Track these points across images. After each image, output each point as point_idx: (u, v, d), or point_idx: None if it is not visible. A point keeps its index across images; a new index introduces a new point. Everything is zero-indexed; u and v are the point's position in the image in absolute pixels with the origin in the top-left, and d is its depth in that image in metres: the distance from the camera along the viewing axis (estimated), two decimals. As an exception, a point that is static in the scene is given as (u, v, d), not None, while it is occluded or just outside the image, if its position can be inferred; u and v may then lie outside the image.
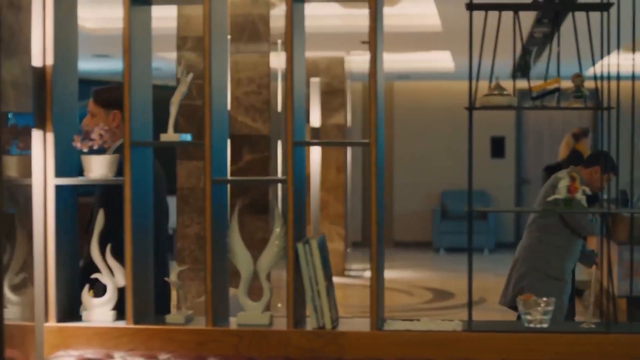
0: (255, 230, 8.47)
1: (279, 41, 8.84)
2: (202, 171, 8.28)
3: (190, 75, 4.49)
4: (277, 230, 4.38)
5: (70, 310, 4.53)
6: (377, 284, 4.33)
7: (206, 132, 4.33)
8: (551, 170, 10.15)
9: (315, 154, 12.59)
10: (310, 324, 4.34)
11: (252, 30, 8.44)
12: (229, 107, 8.06)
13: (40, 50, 4.35)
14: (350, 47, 12.44)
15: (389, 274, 13.56)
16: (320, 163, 12.55)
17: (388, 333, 4.29)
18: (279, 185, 8.71)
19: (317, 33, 10.56)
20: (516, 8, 4.44)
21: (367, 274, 13.06)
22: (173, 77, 14.65)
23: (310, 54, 12.45)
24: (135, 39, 4.39)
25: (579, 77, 4.36)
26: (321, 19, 10.31)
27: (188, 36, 8.50)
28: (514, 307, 6.49)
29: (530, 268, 6.42)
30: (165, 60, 13.57)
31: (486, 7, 4.37)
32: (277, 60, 8.74)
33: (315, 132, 12.61)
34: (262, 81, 8.45)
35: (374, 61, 4.25)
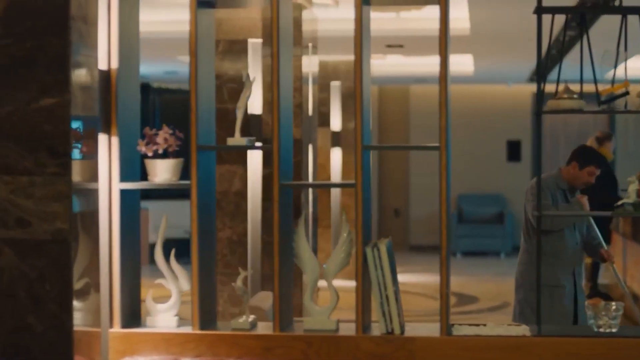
0: (286, 234, 8.42)
1: (310, 45, 8.80)
2: (235, 175, 8.24)
3: (254, 78, 4.46)
4: (345, 235, 4.35)
5: (132, 315, 4.50)
6: (446, 290, 4.30)
7: (274, 136, 4.30)
8: None
9: (336, 158, 12.55)
10: (378, 329, 4.31)
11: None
12: (261, 110, 8.04)
13: (106, 54, 4.32)
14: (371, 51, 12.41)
15: (407, 277, 13.50)
16: (341, 167, 12.52)
17: (457, 338, 4.26)
18: (310, 190, 8.66)
19: (336, 37, 10.54)
20: (584, 11, 4.41)
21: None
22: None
23: (330, 57, 12.40)
24: (200, 43, 4.35)
25: (649, 81, 4.32)
26: (341, 23, 10.27)
27: (220, 40, 8.46)
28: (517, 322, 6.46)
29: (523, 280, 6.38)
30: (181, 63, 13.52)
31: (554, 11, 4.34)
32: (308, 64, 8.69)
33: (335, 136, 12.57)
34: (294, 85, 8.40)
35: (444, 64, 4.22)
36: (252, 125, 7.86)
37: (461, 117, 16.77)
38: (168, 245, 4.48)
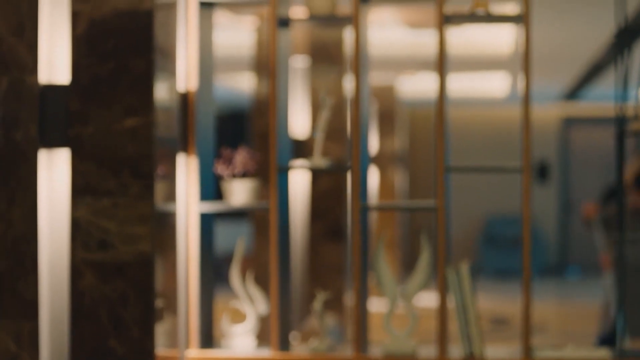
0: (328, 255, 8.39)
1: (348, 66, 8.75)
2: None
3: (330, 100, 4.43)
4: (425, 257, 4.31)
5: (207, 337, 4.46)
6: (528, 312, 4.25)
7: (354, 156, 4.26)
8: None
9: (373, 179, 12.53)
10: (455, 352, 4.26)
11: (327, 53, 8.36)
12: (308, 133, 8.01)
13: (184, 75, 4.30)
14: (404, 72, 12.39)
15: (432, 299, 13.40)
16: (378, 188, 12.50)
17: (540, 362, 4.21)
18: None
19: (374, 57, 10.52)
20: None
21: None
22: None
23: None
24: (279, 62, 4.33)
25: None
26: (379, 43, 10.25)
27: (261, 56, 8.42)
28: None
29: None
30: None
31: (634, 34, 4.29)
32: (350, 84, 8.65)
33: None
34: (338, 106, 8.36)
35: (527, 86, 4.18)
36: (297, 148, 7.83)
37: (489, 138, 16.73)
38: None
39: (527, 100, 4.17)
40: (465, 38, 9.86)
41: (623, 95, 4.21)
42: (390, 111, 13.02)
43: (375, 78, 12.58)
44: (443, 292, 4.22)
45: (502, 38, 9.40)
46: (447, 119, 4.31)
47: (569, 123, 16.66)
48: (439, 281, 4.21)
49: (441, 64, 4.20)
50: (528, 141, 4.18)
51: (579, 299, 13.94)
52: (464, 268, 4.23)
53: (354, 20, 4.22)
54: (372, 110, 12.64)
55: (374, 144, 12.63)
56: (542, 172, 16.86)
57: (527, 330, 4.22)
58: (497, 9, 4.47)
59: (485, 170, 4.28)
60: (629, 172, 11.04)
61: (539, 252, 16.48)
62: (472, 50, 10.39)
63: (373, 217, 12.82)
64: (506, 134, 16.76)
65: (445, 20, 4.25)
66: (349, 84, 8.25)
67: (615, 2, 4.24)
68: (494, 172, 4.08)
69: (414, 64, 11.36)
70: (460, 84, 13.32)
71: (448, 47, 4.43)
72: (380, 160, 12.61)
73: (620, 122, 4.21)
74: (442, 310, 4.22)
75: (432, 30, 9.74)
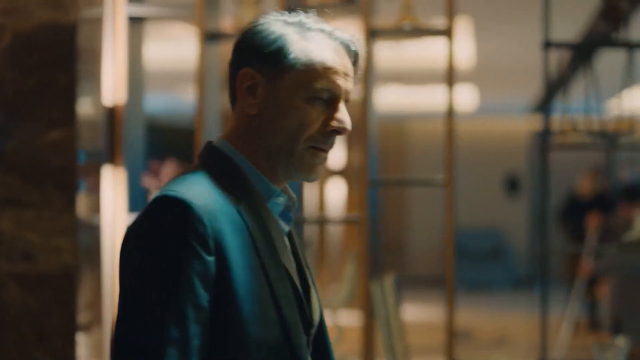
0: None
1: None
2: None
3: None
4: (349, 269, 4.34)
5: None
6: (452, 322, 4.29)
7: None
8: None
9: (335, 192, 12.58)
10: (382, 365, 4.30)
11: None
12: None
13: (112, 88, 4.32)
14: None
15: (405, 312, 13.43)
16: (346, 202, 12.59)
17: (463, 374, 4.24)
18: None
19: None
20: (591, 47, 4.42)
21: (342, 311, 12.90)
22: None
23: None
24: (208, 77, 4.36)
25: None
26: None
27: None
28: None
29: None
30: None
31: (562, 45, 4.34)
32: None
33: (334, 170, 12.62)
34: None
35: (451, 100, 4.22)
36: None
37: (457, 150, 16.78)
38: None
39: (450, 114, 4.21)
40: (431, 51, 9.92)
41: (546, 108, 4.25)
42: (358, 125, 13.07)
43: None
44: (367, 305, 4.24)
45: (465, 51, 9.46)
46: (373, 134, 4.35)
47: (539, 135, 16.72)
48: (363, 294, 4.24)
49: (366, 77, 4.24)
50: (450, 155, 4.22)
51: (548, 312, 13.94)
52: (389, 281, 4.26)
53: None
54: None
55: (341, 157, 12.69)
56: (512, 184, 16.93)
57: (450, 340, 4.25)
58: (437, 23, 4.51)
59: (409, 183, 4.32)
60: (584, 187, 11.12)
61: (509, 264, 16.54)
62: (438, 64, 10.43)
63: (339, 231, 12.85)
64: (476, 146, 16.81)
65: (372, 34, 4.29)
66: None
67: (541, 15, 4.28)
68: (418, 185, 4.10)
69: (381, 77, 11.40)
70: (428, 98, 13.36)
71: (377, 60, 4.47)
72: (347, 173, 12.67)
73: (544, 136, 4.26)
74: (367, 322, 4.25)
75: (400, 44, 9.79)
